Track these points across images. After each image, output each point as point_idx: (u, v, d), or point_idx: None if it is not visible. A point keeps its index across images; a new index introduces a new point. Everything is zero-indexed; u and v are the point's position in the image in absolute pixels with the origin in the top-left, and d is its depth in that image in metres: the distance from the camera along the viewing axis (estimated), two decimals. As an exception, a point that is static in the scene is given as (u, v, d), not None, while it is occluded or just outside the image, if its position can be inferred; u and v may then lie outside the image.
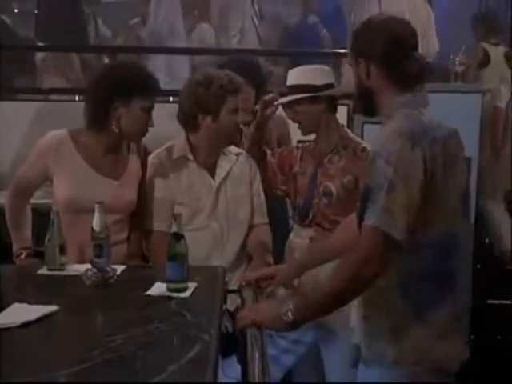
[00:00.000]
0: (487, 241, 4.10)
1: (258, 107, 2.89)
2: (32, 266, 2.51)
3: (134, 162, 2.73)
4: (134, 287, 2.21)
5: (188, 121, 2.78)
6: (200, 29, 5.84)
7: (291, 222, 3.07)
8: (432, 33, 4.98)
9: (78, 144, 2.64)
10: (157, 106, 2.68)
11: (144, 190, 2.76)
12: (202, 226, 2.77)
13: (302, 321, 2.01)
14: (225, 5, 5.94)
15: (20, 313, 1.91)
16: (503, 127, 4.45)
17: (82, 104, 2.68)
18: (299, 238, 2.90)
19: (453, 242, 2.09)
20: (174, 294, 2.13)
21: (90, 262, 2.24)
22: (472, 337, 3.64)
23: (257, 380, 1.74)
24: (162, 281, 2.18)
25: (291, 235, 2.97)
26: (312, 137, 2.92)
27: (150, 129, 2.66)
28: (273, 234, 2.96)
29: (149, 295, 2.13)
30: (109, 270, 2.23)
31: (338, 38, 5.61)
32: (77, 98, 4.10)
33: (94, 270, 2.21)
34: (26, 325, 1.84)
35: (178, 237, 2.16)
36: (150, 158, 2.81)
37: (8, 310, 1.94)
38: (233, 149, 2.91)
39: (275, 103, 2.87)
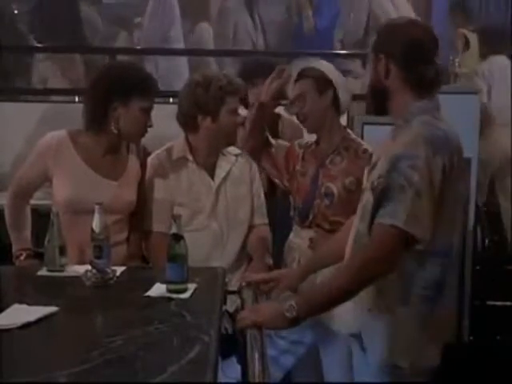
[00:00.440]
0: (486, 242, 4.10)
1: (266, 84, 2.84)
2: (32, 267, 2.51)
3: (133, 163, 2.73)
4: (134, 288, 2.21)
5: (187, 121, 2.79)
6: (199, 28, 5.83)
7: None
8: None
9: (77, 145, 2.64)
10: (156, 106, 2.68)
11: (143, 191, 2.76)
12: (201, 226, 2.77)
13: (304, 316, 2.01)
14: (224, 4, 5.94)
15: (20, 314, 1.91)
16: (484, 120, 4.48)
17: (81, 105, 2.68)
18: (299, 239, 2.90)
19: (452, 252, 2.11)
20: (174, 295, 2.13)
21: (90, 263, 2.24)
22: (471, 337, 3.66)
23: (256, 380, 1.74)
24: (162, 282, 2.18)
25: (291, 236, 2.97)
26: (313, 137, 2.92)
27: (149, 129, 2.66)
28: (272, 235, 2.96)
29: (148, 296, 2.13)
30: (108, 270, 2.23)
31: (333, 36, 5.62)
32: (76, 98, 4.11)
33: (94, 270, 2.21)
34: (26, 326, 1.84)
35: (178, 238, 2.16)
36: (149, 159, 2.81)
37: (8, 311, 1.94)
38: (232, 149, 2.91)
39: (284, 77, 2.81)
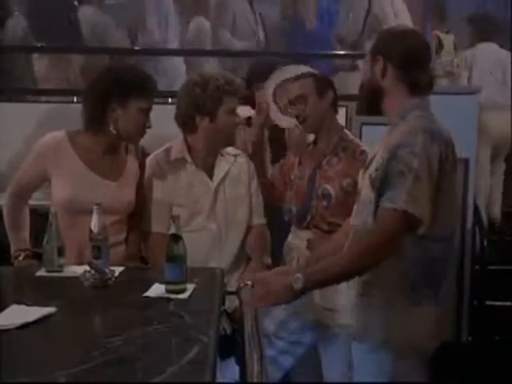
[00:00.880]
0: (485, 243, 4.10)
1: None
2: (30, 267, 2.51)
3: (132, 163, 2.73)
4: (133, 288, 2.21)
5: (186, 122, 2.79)
6: (196, 23, 5.79)
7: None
8: None
9: (76, 145, 2.64)
10: (155, 107, 2.68)
11: (142, 192, 2.76)
12: (200, 227, 2.77)
13: (309, 288, 2.09)
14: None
15: (18, 314, 1.91)
16: None
17: (80, 105, 2.68)
18: (297, 240, 2.91)
19: (452, 242, 2.20)
20: (173, 296, 2.13)
21: (89, 264, 2.24)
22: (470, 338, 3.66)
23: (255, 381, 1.74)
24: (161, 282, 2.18)
25: (289, 237, 2.97)
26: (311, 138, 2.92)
27: (148, 130, 2.66)
28: (271, 235, 2.96)
29: (147, 296, 2.13)
30: (107, 271, 2.23)
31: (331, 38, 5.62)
32: (75, 99, 4.11)
33: (93, 271, 2.21)
34: (25, 326, 1.84)
35: (177, 238, 2.16)
36: (148, 160, 2.81)
37: (6, 312, 1.94)
38: (231, 150, 2.91)
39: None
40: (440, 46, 5.51)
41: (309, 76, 2.84)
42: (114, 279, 2.24)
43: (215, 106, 2.72)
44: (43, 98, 4.44)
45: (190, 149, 2.83)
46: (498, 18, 5.45)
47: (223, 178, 2.84)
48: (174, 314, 2.00)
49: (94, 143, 2.64)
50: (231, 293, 2.42)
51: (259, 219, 2.91)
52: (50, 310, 1.95)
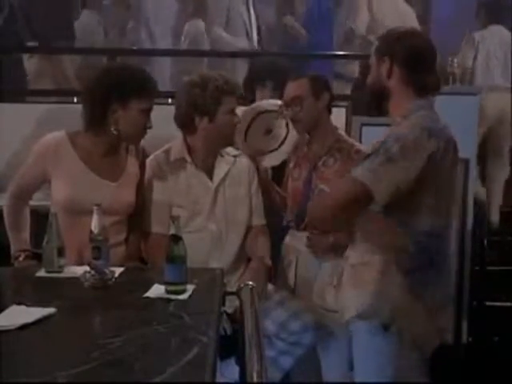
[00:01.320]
0: (485, 242, 4.11)
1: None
2: (30, 268, 2.51)
3: (132, 164, 2.73)
4: (133, 289, 2.21)
5: (185, 122, 2.79)
6: (192, 24, 5.78)
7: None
8: None
9: (76, 146, 2.64)
10: (155, 107, 2.68)
11: (142, 193, 2.76)
12: (200, 227, 2.77)
13: None
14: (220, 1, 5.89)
15: (18, 315, 1.90)
16: None
17: (79, 106, 2.68)
18: (295, 241, 2.91)
19: (444, 238, 2.24)
20: (173, 296, 2.12)
21: (89, 264, 2.23)
22: (470, 338, 3.66)
23: (255, 381, 1.74)
24: (161, 283, 2.18)
25: (287, 238, 2.98)
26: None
27: (148, 130, 2.66)
28: (270, 236, 2.96)
29: (147, 297, 2.13)
30: (107, 271, 2.23)
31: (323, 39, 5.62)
32: (75, 99, 4.11)
33: (93, 271, 2.21)
34: (25, 327, 1.84)
35: (177, 239, 2.16)
36: (148, 161, 2.81)
37: (6, 312, 1.94)
38: (231, 150, 2.91)
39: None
40: None
41: (305, 77, 2.85)
42: (113, 280, 2.24)
43: (214, 106, 2.72)
44: (42, 99, 4.44)
45: (189, 149, 2.83)
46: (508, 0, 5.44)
47: (223, 179, 2.84)
48: (173, 315, 2.00)
49: (95, 144, 2.64)
50: (231, 293, 2.41)
51: (259, 219, 2.91)
52: (50, 310, 1.95)
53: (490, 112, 4.75)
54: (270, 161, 3.06)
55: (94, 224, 2.24)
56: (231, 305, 2.48)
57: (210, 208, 2.80)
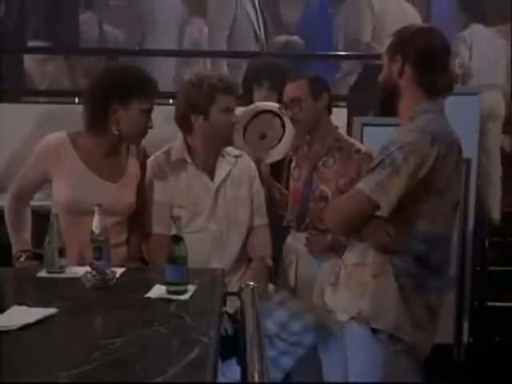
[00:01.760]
0: (487, 243, 4.11)
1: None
2: (31, 268, 2.51)
3: (133, 165, 2.73)
4: (134, 289, 2.21)
5: (183, 122, 2.80)
6: (193, 24, 5.77)
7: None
8: None
9: (77, 146, 2.64)
10: (156, 107, 2.68)
11: (143, 193, 2.76)
12: (201, 228, 2.77)
13: None
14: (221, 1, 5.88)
15: (19, 315, 1.90)
16: None
17: (80, 106, 2.68)
18: (296, 242, 2.91)
19: (444, 241, 2.23)
20: (174, 297, 2.12)
21: (90, 265, 2.24)
22: (471, 339, 3.66)
23: (256, 382, 1.74)
24: (162, 283, 2.18)
25: (288, 239, 2.98)
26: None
27: (149, 131, 2.66)
28: (271, 237, 2.96)
29: (148, 298, 2.13)
30: (108, 272, 2.23)
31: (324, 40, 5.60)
32: (76, 99, 4.11)
33: (94, 272, 2.21)
34: (26, 327, 1.84)
35: (178, 239, 2.16)
36: (148, 161, 2.81)
37: (7, 313, 1.94)
38: (232, 150, 2.91)
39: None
40: None
41: (304, 78, 2.85)
42: (114, 280, 2.24)
43: (208, 104, 2.72)
44: (41, 99, 4.44)
45: (189, 150, 2.83)
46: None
47: (224, 179, 2.84)
48: (174, 315, 2.00)
49: (95, 144, 2.64)
50: (232, 294, 2.41)
51: (261, 220, 2.91)
52: (51, 310, 1.95)
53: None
54: (268, 158, 3.07)
55: (95, 224, 2.24)
56: (232, 305, 2.48)
57: (211, 208, 2.80)
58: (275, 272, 2.94)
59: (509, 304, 4.07)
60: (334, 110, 2.97)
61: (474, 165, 3.60)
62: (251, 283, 2.33)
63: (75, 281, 2.24)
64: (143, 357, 1.71)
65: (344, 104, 3.76)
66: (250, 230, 2.88)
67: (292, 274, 2.94)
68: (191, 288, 2.18)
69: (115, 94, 2.57)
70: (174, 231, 2.17)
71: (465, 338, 3.61)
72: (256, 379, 1.72)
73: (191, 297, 2.14)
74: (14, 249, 2.68)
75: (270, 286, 2.92)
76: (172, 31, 5.61)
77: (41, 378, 1.57)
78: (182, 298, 2.13)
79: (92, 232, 2.25)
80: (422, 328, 2.19)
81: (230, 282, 2.61)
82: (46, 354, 1.75)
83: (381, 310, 2.17)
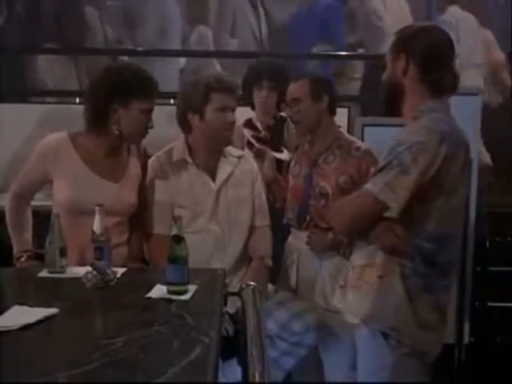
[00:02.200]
0: (487, 243, 4.10)
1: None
2: (32, 268, 2.51)
3: (133, 165, 2.73)
4: (135, 290, 2.21)
5: (181, 121, 2.81)
6: (198, 31, 5.79)
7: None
8: None
9: (77, 146, 2.64)
10: (156, 107, 2.68)
11: (144, 193, 2.76)
12: (202, 228, 2.77)
13: None
14: (224, 5, 5.89)
15: (20, 315, 1.90)
16: None
17: (80, 106, 2.69)
18: (297, 241, 2.91)
19: (451, 241, 2.21)
20: (175, 297, 2.12)
21: (91, 265, 2.24)
22: (472, 339, 3.66)
23: (257, 382, 1.74)
24: (163, 283, 2.18)
25: (290, 238, 2.98)
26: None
27: (149, 131, 2.66)
28: (272, 236, 2.96)
29: (149, 298, 2.13)
30: (109, 272, 2.23)
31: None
32: (77, 100, 4.11)
33: (95, 272, 2.21)
34: (27, 327, 1.84)
35: (179, 239, 2.16)
36: (150, 161, 2.81)
37: (8, 313, 1.94)
38: (234, 151, 2.91)
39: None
40: None
41: (306, 79, 2.85)
42: (115, 280, 2.24)
43: (203, 103, 2.73)
44: (40, 99, 4.44)
45: (190, 150, 2.83)
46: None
47: (226, 180, 2.84)
48: (175, 315, 2.00)
49: (96, 144, 2.64)
50: (233, 294, 2.41)
51: (262, 220, 2.91)
52: (52, 310, 1.95)
53: None
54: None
55: (96, 224, 2.25)
56: (233, 305, 2.48)
57: (212, 209, 2.80)
58: (277, 272, 2.93)
59: (510, 304, 4.06)
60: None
61: (475, 165, 3.59)
62: (252, 283, 2.33)
63: (76, 281, 2.24)
64: (144, 357, 1.71)
65: (344, 104, 3.75)
66: (252, 230, 2.88)
67: (293, 274, 2.94)
68: (192, 288, 2.18)
69: (116, 93, 2.57)
70: (174, 231, 2.17)
71: (466, 338, 3.60)
72: (257, 379, 1.72)
73: (192, 297, 2.14)
74: (15, 249, 2.68)
75: (270, 286, 2.92)
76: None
77: (41, 378, 1.57)
78: (182, 298, 2.13)
79: (93, 232, 2.25)
80: (432, 328, 2.17)
81: (231, 282, 2.61)
82: (46, 354, 1.75)
83: (386, 312, 2.16)
